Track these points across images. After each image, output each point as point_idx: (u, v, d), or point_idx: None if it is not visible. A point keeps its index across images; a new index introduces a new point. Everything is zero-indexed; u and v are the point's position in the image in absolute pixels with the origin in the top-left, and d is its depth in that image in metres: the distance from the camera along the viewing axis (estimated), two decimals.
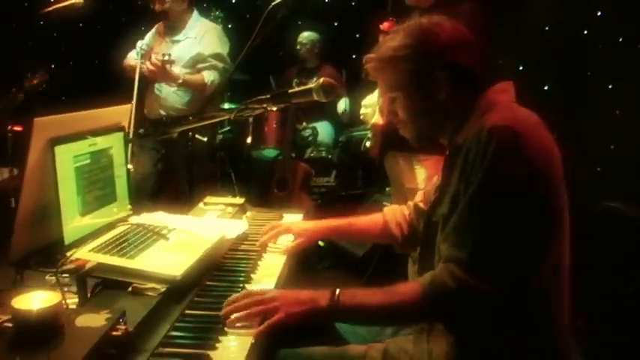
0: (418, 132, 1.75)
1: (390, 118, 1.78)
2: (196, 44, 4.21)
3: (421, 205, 2.03)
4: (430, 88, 1.65)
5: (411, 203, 2.12)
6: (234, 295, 1.62)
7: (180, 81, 4.05)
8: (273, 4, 3.01)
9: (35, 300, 1.30)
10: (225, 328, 1.53)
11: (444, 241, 1.58)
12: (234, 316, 1.55)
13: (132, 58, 4.27)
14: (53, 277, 1.62)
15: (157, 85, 4.21)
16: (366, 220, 2.21)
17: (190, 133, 3.39)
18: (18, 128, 4.43)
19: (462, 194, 1.55)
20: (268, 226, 2.22)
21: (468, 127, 1.61)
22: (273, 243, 2.18)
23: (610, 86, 4.93)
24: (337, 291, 1.57)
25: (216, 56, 4.20)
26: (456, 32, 1.66)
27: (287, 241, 2.20)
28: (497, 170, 1.49)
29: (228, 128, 5.48)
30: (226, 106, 5.33)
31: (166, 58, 3.92)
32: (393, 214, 2.14)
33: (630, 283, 3.07)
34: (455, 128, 1.66)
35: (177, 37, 4.27)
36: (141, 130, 3.87)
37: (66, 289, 1.61)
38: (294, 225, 2.25)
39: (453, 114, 1.66)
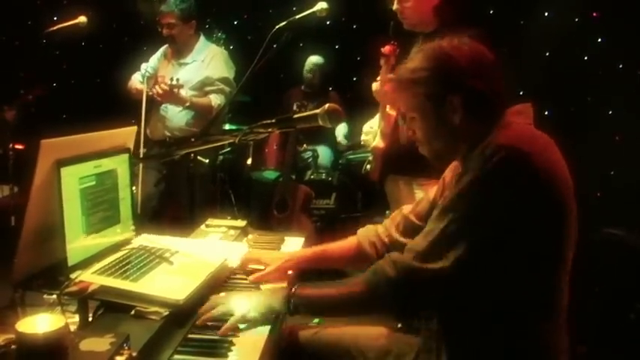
0: (434, 152, 1.77)
1: (409, 136, 1.79)
2: (204, 68, 4.25)
3: (412, 217, 2.02)
4: (445, 112, 1.66)
5: (387, 221, 2.10)
6: (203, 307, 1.70)
7: (188, 104, 4.08)
8: (276, 27, 3.03)
9: (40, 323, 1.30)
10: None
11: None
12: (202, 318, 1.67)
13: (137, 80, 4.29)
14: (51, 297, 1.62)
15: (162, 106, 4.23)
16: (339, 245, 2.16)
17: (192, 155, 3.39)
18: (19, 146, 4.45)
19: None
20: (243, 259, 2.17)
21: (480, 146, 1.62)
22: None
23: (610, 112, 4.96)
24: (295, 284, 1.70)
25: (224, 80, 4.23)
26: (474, 57, 1.66)
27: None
28: (490, 181, 1.53)
29: (229, 149, 5.50)
30: (227, 127, 5.35)
31: (175, 82, 3.95)
32: (366, 235, 2.11)
33: (631, 309, 3.06)
34: (470, 148, 1.66)
35: (184, 60, 4.30)
36: (144, 151, 3.89)
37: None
38: (264, 254, 2.18)
39: (467, 137, 1.66)
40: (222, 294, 1.76)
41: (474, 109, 1.65)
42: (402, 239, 1.98)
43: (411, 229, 1.97)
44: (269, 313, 1.70)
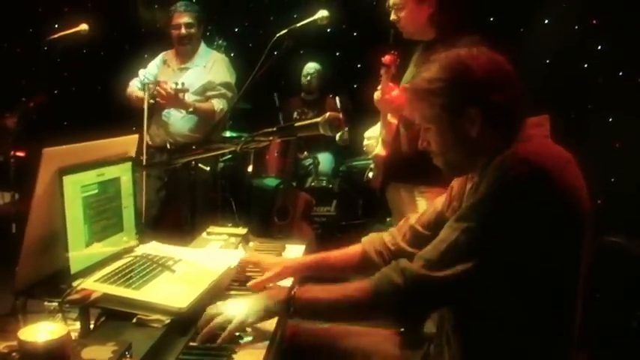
0: (449, 164, 1.73)
1: (423, 147, 1.75)
2: (206, 73, 4.28)
3: (418, 227, 2.00)
4: (462, 124, 1.62)
5: (393, 229, 2.09)
6: (200, 322, 1.66)
7: (192, 109, 4.09)
8: (277, 35, 3.04)
9: (42, 332, 1.30)
10: None
11: None
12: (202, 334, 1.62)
13: (135, 86, 4.31)
14: (52, 304, 1.62)
15: (164, 112, 4.24)
16: (342, 253, 2.13)
17: (193, 162, 3.40)
18: (20, 154, 4.46)
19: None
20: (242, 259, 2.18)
21: (498, 158, 1.59)
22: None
23: (610, 119, 4.97)
24: (295, 287, 1.67)
25: (226, 85, 4.26)
26: (492, 67, 1.62)
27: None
28: (507, 194, 1.50)
29: (230, 157, 5.50)
30: (228, 134, 5.36)
31: (179, 86, 3.96)
32: (371, 243, 2.08)
33: (633, 317, 3.06)
34: (487, 161, 1.61)
35: (186, 65, 4.33)
36: (144, 157, 3.90)
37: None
38: (264, 258, 2.17)
39: (484, 149, 1.63)
40: (218, 303, 1.72)
41: (493, 122, 1.60)
42: (408, 249, 1.97)
43: (417, 239, 1.96)
44: (267, 316, 1.68)
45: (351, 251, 2.12)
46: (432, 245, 1.60)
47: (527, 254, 1.51)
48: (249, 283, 2.03)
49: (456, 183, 1.90)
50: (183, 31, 4.23)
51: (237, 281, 2.10)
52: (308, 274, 2.13)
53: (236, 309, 1.66)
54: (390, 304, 1.60)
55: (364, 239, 2.12)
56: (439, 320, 1.78)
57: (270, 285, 2.02)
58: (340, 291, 1.67)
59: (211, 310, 1.68)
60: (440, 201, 1.97)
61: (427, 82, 1.66)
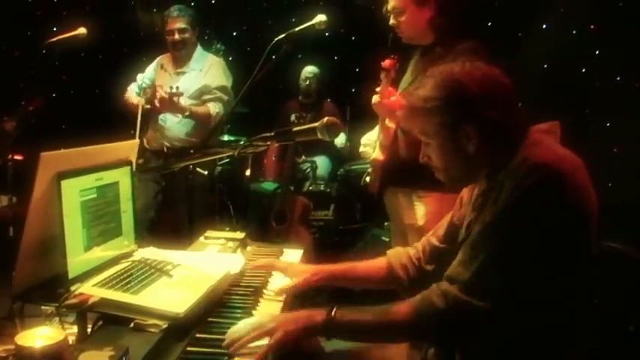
0: (450, 178, 1.74)
1: (423, 161, 1.76)
2: (202, 76, 4.28)
3: (434, 241, 1.99)
4: (459, 140, 1.62)
5: (417, 244, 2.07)
6: (235, 326, 1.64)
7: (187, 113, 4.09)
8: (275, 40, 3.05)
9: (39, 337, 1.30)
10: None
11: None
12: (238, 343, 1.58)
13: (133, 91, 4.32)
14: (49, 308, 1.62)
15: (161, 116, 4.25)
16: (367, 265, 2.11)
17: (191, 167, 3.40)
18: (18, 157, 4.46)
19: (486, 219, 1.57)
20: (264, 261, 2.18)
21: (510, 165, 1.59)
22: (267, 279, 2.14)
23: (608, 124, 4.97)
24: (334, 307, 1.63)
25: (222, 89, 4.26)
26: (487, 83, 1.62)
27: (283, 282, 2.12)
28: (529, 204, 1.49)
29: (228, 160, 5.50)
30: (226, 138, 5.37)
31: (174, 90, 3.96)
32: (397, 257, 2.07)
33: (630, 321, 3.06)
34: (496, 169, 1.62)
35: (182, 69, 4.33)
36: (140, 161, 3.89)
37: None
38: (290, 266, 2.15)
39: (484, 163, 1.63)
40: (242, 322, 1.67)
41: (490, 137, 1.61)
42: (427, 267, 1.98)
43: (434, 253, 1.97)
44: (306, 336, 1.66)
45: (377, 264, 2.10)
46: (462, 263, 1.59)
47: (550, 261, 1.51)
48: (277, 290, 2.02)
49: (466, 191, 1.89)
50: (176, 36, 4.24)
51: (237, 286, 2.08)
52: (334, 284, 2.12)
53: (274, 324, 1.61)
54: (431, 328, 1.59)
55: (390, 252, 2.12)
56: None
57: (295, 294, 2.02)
58: (381, 312, 1.64)
59: (238, 329, 1.63)
60: (450, 212, 1.97)
61: (422, 100, 1.66)
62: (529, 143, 1.60)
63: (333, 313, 1.63)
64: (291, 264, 2.20)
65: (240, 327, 1.63)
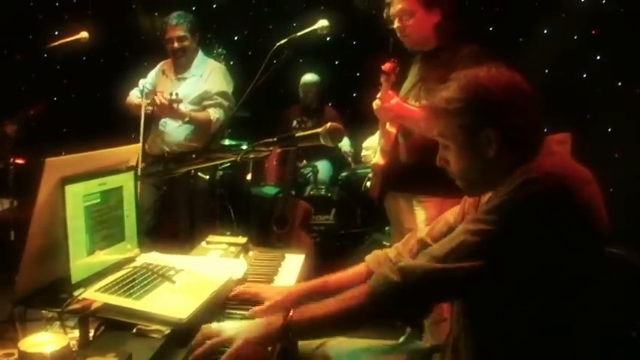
0: (467, 182, 1.73)
1: (440, 164, 1.75)
2: (202, 82, 4.28)
3: (428, 240, 1.97)
4: (480, 145, 1.62)
5: (399, 244, 2.06)
6: (195, 340, 1.62)
7: (187, 119, 4.10)
8: (277, 45, 3.05)
9: (42, 343, 1.30)
10: None
11: None
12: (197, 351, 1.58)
13: (134, 96, 4.32)
14: (50, 312, 1.62)
15: (161, 121, 4.25)
16: (345, 275, 2.06)
17: (192, 171, 3.40)
18: (20, 161, 4.47)
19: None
20: (237, 289, 2.07)
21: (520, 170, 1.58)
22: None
23: (609, 129, 4.97)
24: (291, 310, 1.63)
25: (222, 94, 4.26)
26: (511, 89, 1.62)
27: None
28: (526, 205, 1.49)
29: (228, 165, 5.50)
30: (227, 142, 5.36)
31: (174, 97, 3.96)
32: (376, 261, 2.04)
33: (632, 327, 3.06)
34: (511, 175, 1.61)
35: (183, 75, 4.33)
36: (142, 165, 3.89)
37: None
38: (264, 290, 2.06)
39: (501, 168, 1.61)
40: (214, 324, 1.68)
41: (511, 143, 1.60)
42: None
43: None
44: (267, 343, 1.65)
45: (355, 271, 2.07)
46: (439, 244, 1.60)
47: (537, 264, 1.49)
48: (250, 311, 1.93)
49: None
50: (175, 45, 4.23)
51: (235, 300, 2.05)
52: (309, 301, 2.10)
53: (234, 332, 1.62)
54: (388, 302, 1.58)
55: (368, 257, 2.08)
56: (453, 322, 1.77)
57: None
58: (337, 302, 1.64)
59: (208, 329, 1.65)
60: (452, 213, 1.96)
61: (445, 101, 1.66)
62: (545, 152, 1.60)
63: (290, 313, 1.63)
64: (262, 287, 2.12)
65: (200, 339, 1.61)
